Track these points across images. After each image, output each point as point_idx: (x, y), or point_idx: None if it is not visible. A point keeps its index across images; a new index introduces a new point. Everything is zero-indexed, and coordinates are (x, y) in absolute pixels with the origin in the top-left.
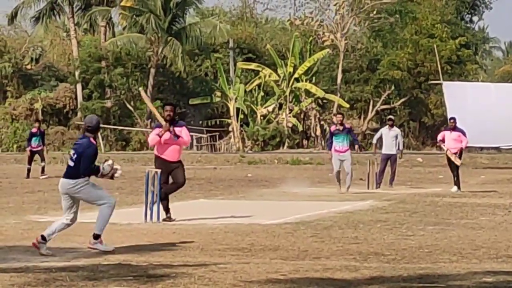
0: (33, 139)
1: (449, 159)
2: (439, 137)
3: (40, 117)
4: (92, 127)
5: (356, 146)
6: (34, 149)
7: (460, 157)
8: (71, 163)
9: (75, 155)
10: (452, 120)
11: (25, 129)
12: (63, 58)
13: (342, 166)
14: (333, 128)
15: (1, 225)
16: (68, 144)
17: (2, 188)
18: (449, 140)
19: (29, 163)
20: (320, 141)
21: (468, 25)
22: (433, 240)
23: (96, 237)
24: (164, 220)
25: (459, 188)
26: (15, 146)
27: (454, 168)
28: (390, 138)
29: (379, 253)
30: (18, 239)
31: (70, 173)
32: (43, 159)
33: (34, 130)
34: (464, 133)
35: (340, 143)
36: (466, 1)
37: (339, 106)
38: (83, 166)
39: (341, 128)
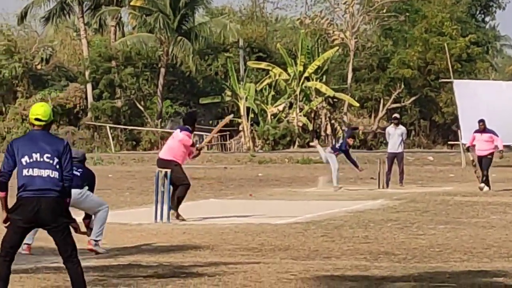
0: None
1: (480, 159)
2: (469, 142)
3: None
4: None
5: None
6: None
7: (491, 159)
8: (77, 173)
9: (80, 170)
10: (481, 123)
11: None
12: (73, 58)
13: None
14: None
15: None
16: (78, 144)
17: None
18: (481, 142)
19: None
20: (331, 140)
21: (479, 23)
22: (444, 239)
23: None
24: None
25: (489, 186)
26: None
27: (484, 167)
28: (396, 136)
29: (389, 252)
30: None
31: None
32: None
33: None
34: (495, 134)
35: None
36: (479, 0)
37: (350, 105)
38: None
39: None
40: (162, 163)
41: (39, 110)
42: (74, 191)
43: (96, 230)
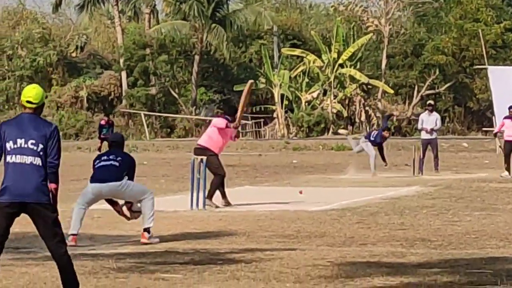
0: (103, 131)
1: (510, 146)
2: (497, 128)
3: (85, 105)
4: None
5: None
6: (104, 137)
7: None
8: (116, 163)
9: (119, 159)
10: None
11: (70, 117)
12: (107, 46)
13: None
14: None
15: None
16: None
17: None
18: (510, 128)
19: (99, 150)
20: (365, 126)
21: None
22: (479, 225)
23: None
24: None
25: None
26: (60, 133)
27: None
28: (429, 123)
29: (425, 239)
30: (64, 227)
31: (116, 175)
32: None
33: (102, 122)
34: None
35: None
36: None
37: (384, 92)
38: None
39: None
40: (198, 150)
41: (31, 92)
42: (113, 184)
43: (146, 220)
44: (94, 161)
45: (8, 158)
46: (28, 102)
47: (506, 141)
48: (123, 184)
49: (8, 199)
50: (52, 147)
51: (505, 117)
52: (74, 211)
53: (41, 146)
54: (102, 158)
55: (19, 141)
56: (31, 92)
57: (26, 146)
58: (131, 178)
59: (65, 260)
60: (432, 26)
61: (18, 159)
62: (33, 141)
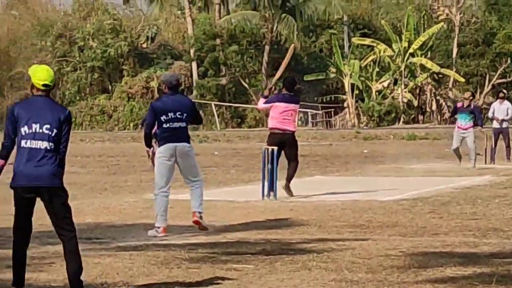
0: None
1: None
2: None
3: (156, 96)
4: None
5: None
6: None
7: None
8: (183, 124)
9: (185, 115)
10: None
11: (141, 108)
12: (178, 37)
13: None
14: (459, 104)
15: (120, 203)
16: None
17: (120, 166)
18: None
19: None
20: (436, 116)
21: None
22: None
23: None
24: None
25: None
26: (131, 124)
27: None
28: (501, 112)
29: (498, 228)
30: (137, 217)
31: (185, 136)
32: None
33: None
34: None
35: (463, 120)
36: None
37: (455, 81)
38: (199, 119)
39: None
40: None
41: (46, 75)
42: (185, 144)
43: (198, 203)
44: (159, 111)
45: (23, 142)
46: (44, 85)
47: None
48: (191, 147)
49: (23, 184)
50: (65, 132)
51: None
52: (156, 202)
53: (55, 131)
54: (169, 116)
55: (33, 125)
56: (46, 75)
57: (41, 131)
58: (196, 117)
59: (73, 244)
60: (503, 14)
61: (32, 144)
62: (48, 126)
